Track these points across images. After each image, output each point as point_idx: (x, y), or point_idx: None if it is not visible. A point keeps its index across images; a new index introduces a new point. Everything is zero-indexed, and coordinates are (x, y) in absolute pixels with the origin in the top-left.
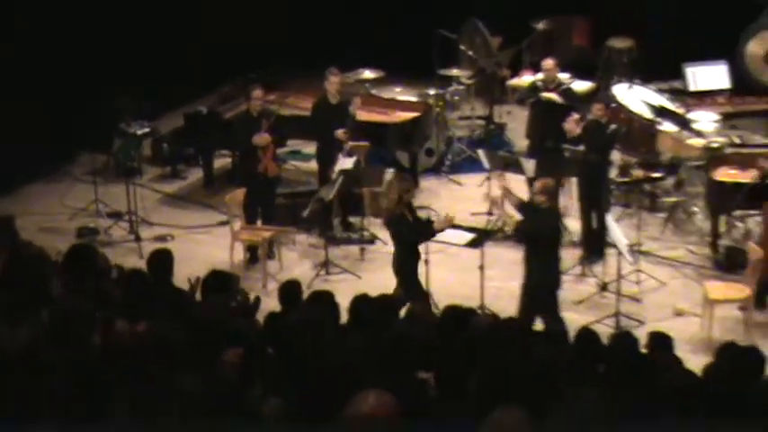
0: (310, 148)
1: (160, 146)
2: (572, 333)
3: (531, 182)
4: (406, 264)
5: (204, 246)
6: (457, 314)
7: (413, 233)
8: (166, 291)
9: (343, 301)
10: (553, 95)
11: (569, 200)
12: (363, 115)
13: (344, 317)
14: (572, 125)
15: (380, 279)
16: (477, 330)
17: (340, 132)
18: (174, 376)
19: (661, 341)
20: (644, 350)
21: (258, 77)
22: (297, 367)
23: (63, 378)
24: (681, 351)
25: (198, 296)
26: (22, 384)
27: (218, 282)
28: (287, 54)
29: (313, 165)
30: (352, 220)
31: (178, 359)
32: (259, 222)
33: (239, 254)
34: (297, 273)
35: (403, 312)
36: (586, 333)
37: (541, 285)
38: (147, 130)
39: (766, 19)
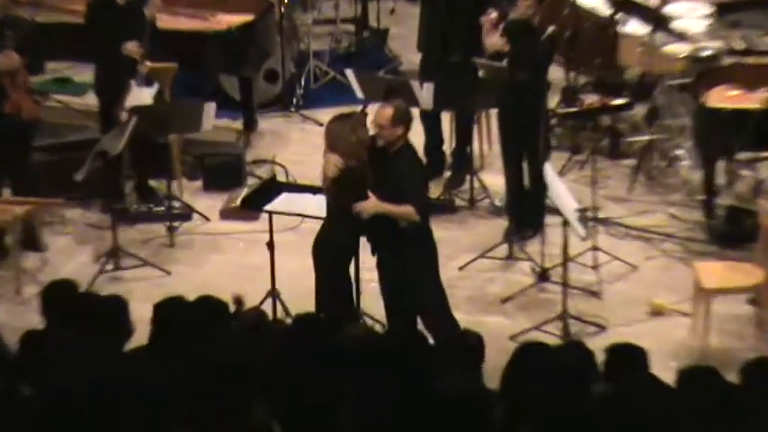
0: (85, 73)
1: None
2: (494, 346)
3: (427, 117)
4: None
5: None
6: (314, 323)
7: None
8: None
9: (142, 308)
10: None
11: (487, 144)
12: (167, 20)
13: (144, 332)
14: (489, 28)
15: (200, 274)
16: (344, 347)
17: (131, 47)
18: None
19: (630, 355)
20: (604, 369)
21: None
22: (65, 410)
23: None
24: (661, 369)
25: None
26: None
27: None
28: None
29: (91, 99)
30: (154, 184)
31: None
32: (6, 193)
33: None
34: (70, 269)
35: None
36: (522, 349)
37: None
38: None
39: None
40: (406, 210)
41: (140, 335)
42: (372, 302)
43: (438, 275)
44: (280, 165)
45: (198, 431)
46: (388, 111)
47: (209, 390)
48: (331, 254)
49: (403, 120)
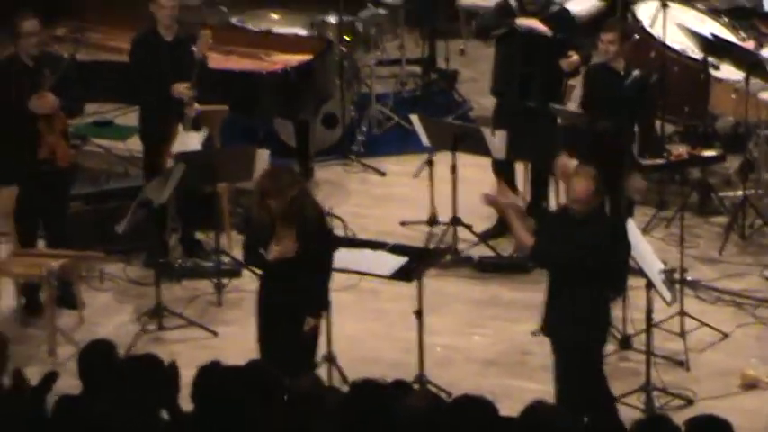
0: (128, 116)
1: None
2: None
3: (499, 167)
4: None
5: None
6: (374, 393)
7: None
8: None
9: (187, 373)
10: (536, 23)
11: (564, 198)
12: (218, 60)
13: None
14: (571, 67)
15: (249, 336)
16: (407, 421)
17: (179, 88)
18: None
19: (715, 429)
20: None
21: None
22: None
23: None
24: None
25: None
26: None
27: None
28: None
29: (134, 144)
30: (201, 237)
31: None
32: (42, 244)
33: (9, 298)
34: (109, 328)
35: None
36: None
37: (590, 336)
38: None
39: None
40: (527, 239)
41: (183, 401)
42: (436, 369)
43: None
44: (338, 218)
45: None
46: (588, 184)
47: None
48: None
49: (601, 189)
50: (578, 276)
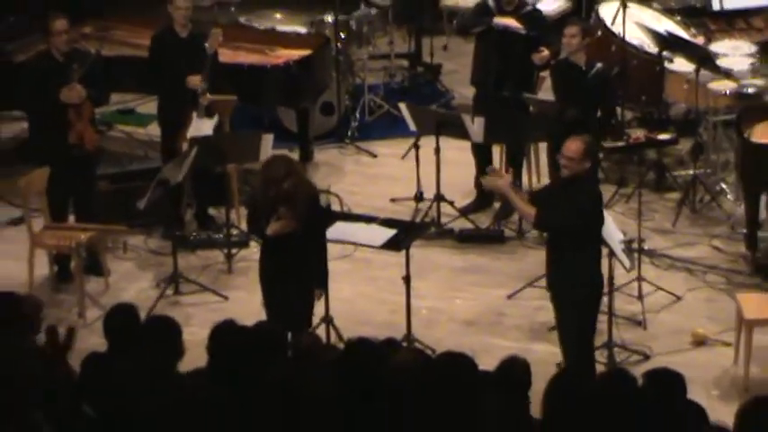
0: (148, 105)
1: None
2: (541, 374)
3: (478, 150)
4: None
5: None
6: (367, 350)
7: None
8: None
9: (201, 332)
10: (511, 21)
11: (536, 177)
12: (227, 54)
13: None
14: (541, 58)
15: (256, 300)
16: (396, 374)
17: (193, 79)
18: None
19: (673, 383)
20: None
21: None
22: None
23: None
24: (704, 396)
25: None
26: None
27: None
28: None
29: (152, 130)
30: (213, 212)
31: None
32: (72, 219)
33: (43, 267)
34: (131, 293)
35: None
36: (567, 378)
37: (589, 291)
38: None
39: None
40: (529, 210)
41: (199, 358)
42: (422, 329)
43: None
44: (335, 195)
45: None
46: (579, 145)
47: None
48: None
49: (591, 154)
50: (573, 239)
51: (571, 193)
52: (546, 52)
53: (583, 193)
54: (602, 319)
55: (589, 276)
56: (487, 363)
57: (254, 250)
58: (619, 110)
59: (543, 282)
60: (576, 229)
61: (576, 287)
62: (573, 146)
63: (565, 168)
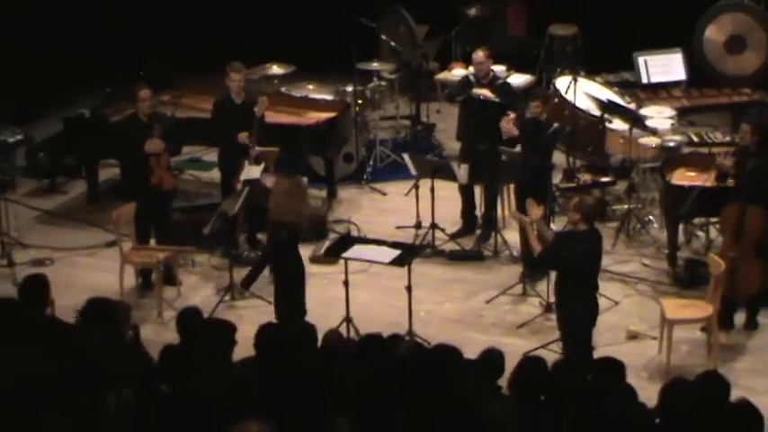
0: (211, 154)
1: (36, 155)
2: (512, 361)
3: (463, 189)
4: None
5: (89, 270)
6: (378, 343)
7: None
8: (40, 322)
9: (250, 330)
10: (486, 92)
11: (507, 210)
12: (271, 116)
13: (250, 348)
14: (508, 125)
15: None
16: (400, 361)
17: (244, 136)
18: (41, 419)
19: (612, 368)
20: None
21: (146, 76)
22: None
23: None
24: (636, 378)
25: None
26: None
27: (101, 311)
28: (181, 49)
29: (214, 174)
30: (261, 236)
31: (47, 399)
32: (153, 242)
33: (130, 279)
34: (198, 299)
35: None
36: (529, 361)
37: (583, 322)
38: (19, 137)
39: (726, 1)
40: (536, 247)
41: (248, 350)
42: (420, 326)
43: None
44: (353, 224)
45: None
46: (574, 213)
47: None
48: None
49: (587, 218)
50: (571, 275)
51: (570, 243)
52: (512, 115)
53: (581, 244)
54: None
55: (582, 303)
56: (471, 352)
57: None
58: (571, 159)
59: (514, 289)
60: (571, 270)
61: (572, 311)
62: (569, 212)
63: (569, 223)
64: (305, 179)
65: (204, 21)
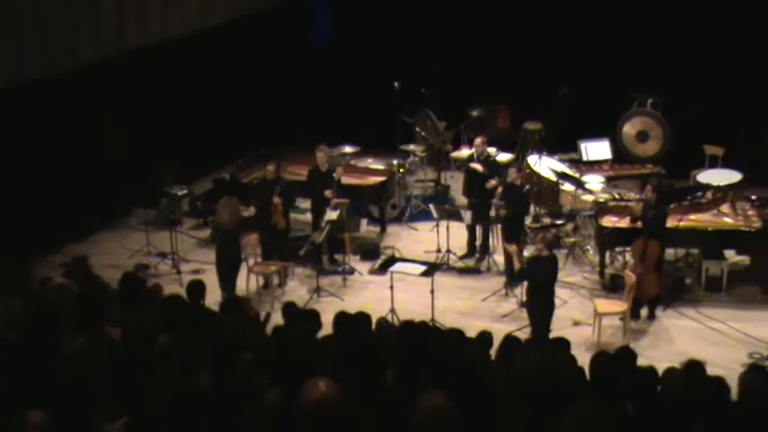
0: (306, 203)
1: (195, 203)
2: (499, 337)
3: (469, 227)
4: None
5: None
6: (413, 327)
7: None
8: (199, 311)
9: (330, 316)
10: (476, 165)
11: (496, 241)
12: (345, 179)
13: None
14: (492, 185)
15: (358, 300)
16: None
17: (327, 192)
18: (197, 375)
19: (562, 343)
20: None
21: (266, 152)
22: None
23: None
24: (577, 350)
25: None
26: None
27: (235, 304)
28: (288, 134)
29: (307, 216)
30: (337, 257)
31: (202, 361)
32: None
33: (254, 283)
34: (296, 297)
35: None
36: (510, 338)
37: (545, 314)
38: (185, 191)
39: (637, 108)
40: (518, 266)
41: (328, 331)
42: (440, 316)
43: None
44: (396, 249)
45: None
46: (540, 245)
47: (358, 366)
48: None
49: (548, 245)
50: (538, 284)
51: (537, 264)
52: (494, 182)
53: (544, 265)
54: (524, 311)
55: (544, 302)
56: (472, 333)
57: (357, 276)
58: (537, 209)
59: (500, 293)
60: (537, 281)
61: (537, 307)
62: (537, 245)
63: (536, 250)
64: (365, 220)
65: (294, 110)
